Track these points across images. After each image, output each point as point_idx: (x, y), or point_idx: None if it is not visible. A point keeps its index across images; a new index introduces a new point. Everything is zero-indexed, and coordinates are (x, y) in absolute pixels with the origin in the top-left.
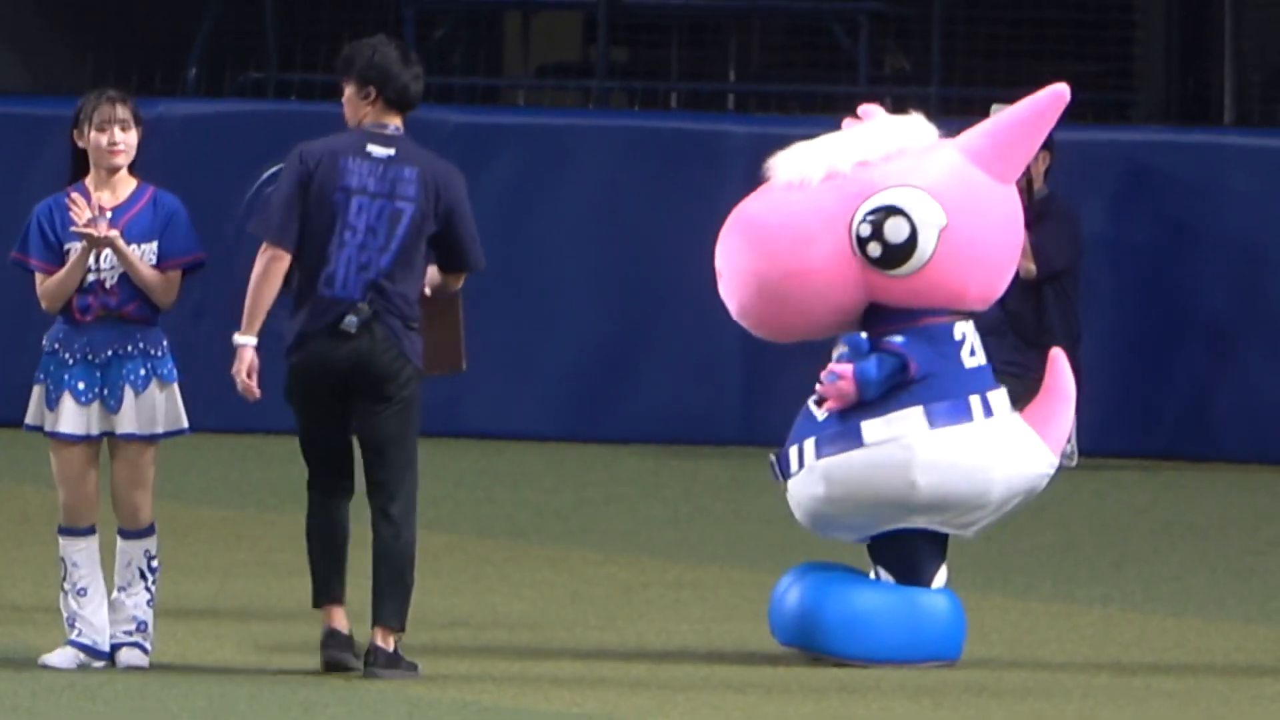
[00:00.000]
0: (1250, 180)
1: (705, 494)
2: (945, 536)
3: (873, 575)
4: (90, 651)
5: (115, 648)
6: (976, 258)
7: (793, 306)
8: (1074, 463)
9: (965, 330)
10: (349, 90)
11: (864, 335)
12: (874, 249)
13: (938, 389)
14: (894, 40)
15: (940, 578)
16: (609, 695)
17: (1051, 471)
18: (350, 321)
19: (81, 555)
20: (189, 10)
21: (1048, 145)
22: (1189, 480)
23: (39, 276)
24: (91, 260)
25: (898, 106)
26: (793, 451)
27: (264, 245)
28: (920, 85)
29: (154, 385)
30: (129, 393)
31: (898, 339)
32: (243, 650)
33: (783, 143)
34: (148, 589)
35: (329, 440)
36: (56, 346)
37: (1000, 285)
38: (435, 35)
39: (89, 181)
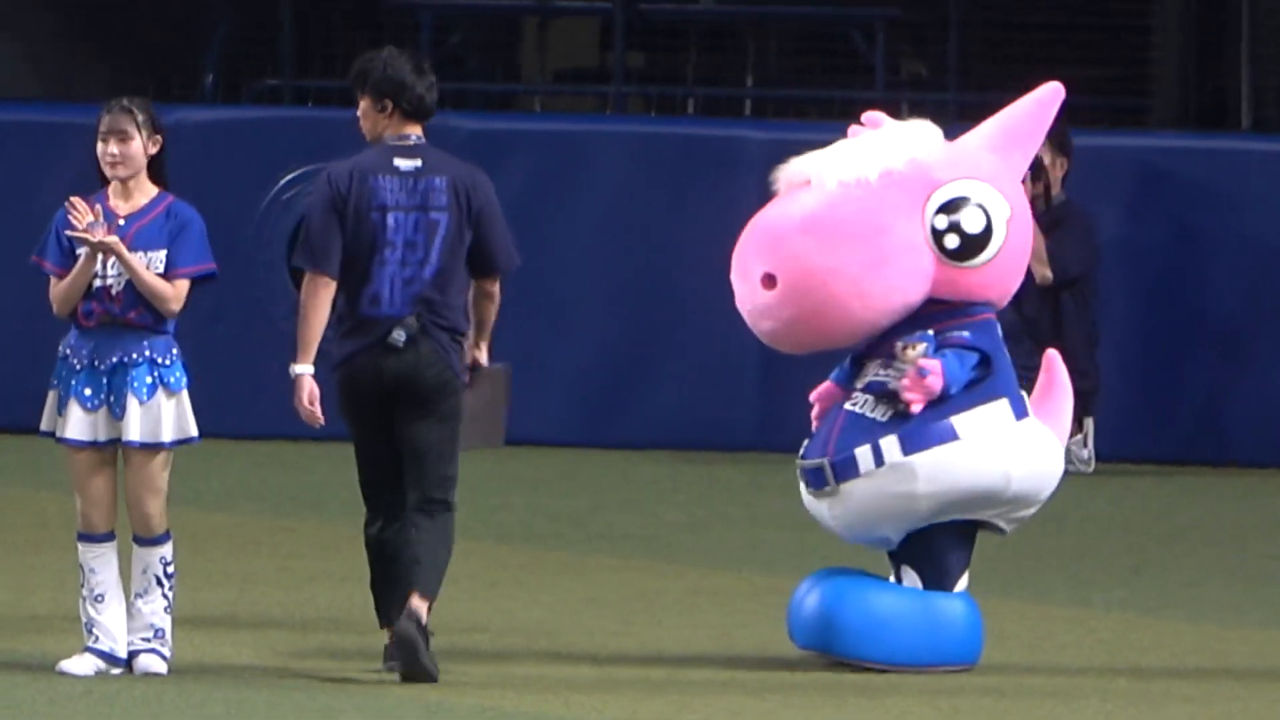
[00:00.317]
0: (1266, 185)
1: (722, 499)
2: (974, 539)
3: (893, 578)
4: (108, 658)
5: (133, 654)
6: (1025, 249)
7: (861, 303)
8: (1091, 468)
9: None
10: (364, 104)
11: (931, 333)
12: (951, 240)
13: (1009, 382)
14: (910, 46)
15: (963, 581)
16: (626, 700)
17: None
18: (397, 336)
19: (99, 562)
20: (205, 17)
21: (1066, 151)
22: (1205, 485)
23: (52, 280)
24: (99, 266)
25: (914, 112)
26: (861, 452)
27: (308, 274)
28: (937, 91)
29: (160, 394)
30: (133, 401)
31: (964, 334)
32: (261, 656)
33: (800, 148)
34: (164, 596)
35: (379, 455)
36: (68, 352)
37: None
38: (451, 41)
39: (110, 188)
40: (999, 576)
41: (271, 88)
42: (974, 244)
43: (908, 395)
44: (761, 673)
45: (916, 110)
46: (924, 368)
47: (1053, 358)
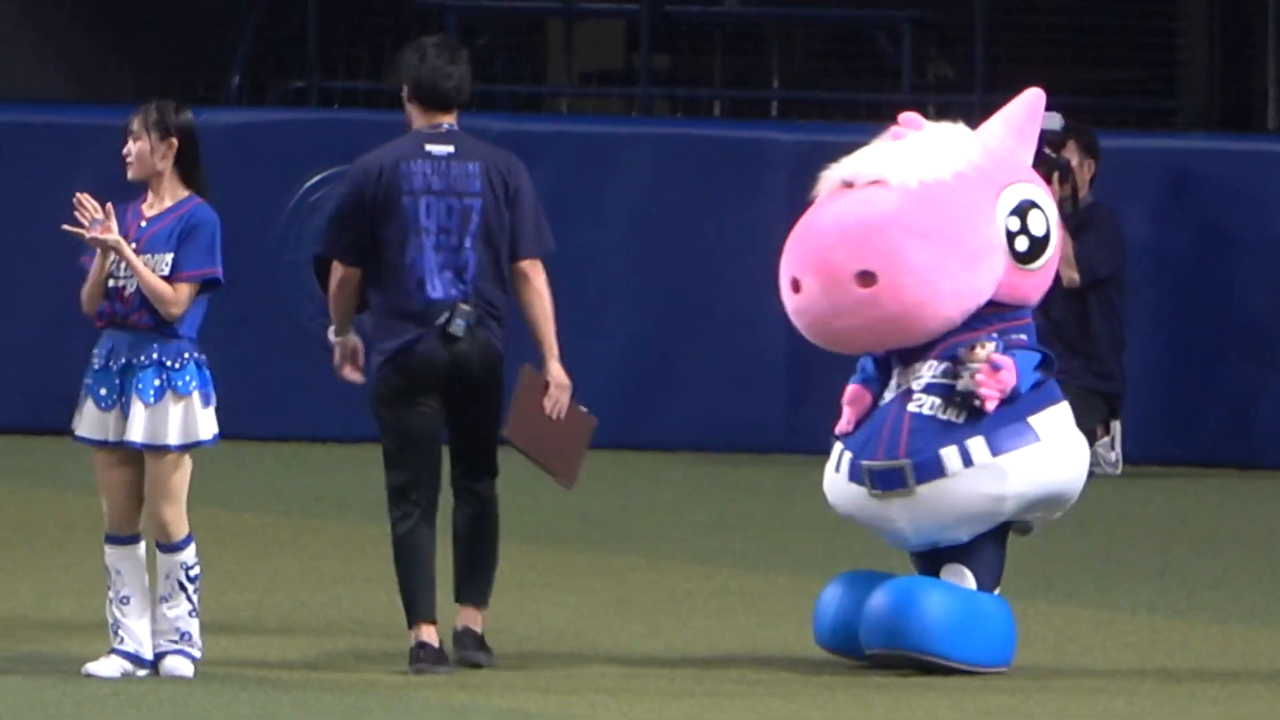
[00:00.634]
0: None
1: (749, 500)
2: (1007, 536)
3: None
4: (134, 660)
5: (160, 656)
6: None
7: (954, 301)
8: (1118, 470)
9: None
10: (404, 94)
11: (995, 334)
12: (1022, 242)
13: (1058, 386)
14: (937, 48)
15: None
16: (653, 703)
17: None
18: (458, 325)
19: (125, 563)
20: (231, 19)
21: (1093, 153)
22: (1232, 487)
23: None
24: (114, 267)
25: (940, 114)
26: (948, 453)
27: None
28: (963, 93)
29: (168, 397)
30: (137, 403)
31: (1023, 336)
32: (287, 658)
33: (826, 150)
34: (189, 599)
35: (427, 444)
36: (94, 352)
37: None
38: (478, 43)
39: (148, 189)
40: (1025, 578)
41: (297, 90)
42: (1039, 247)
43: (984, 391)
44: (789, 674)
45: (943, 112)
46: (997, 362)
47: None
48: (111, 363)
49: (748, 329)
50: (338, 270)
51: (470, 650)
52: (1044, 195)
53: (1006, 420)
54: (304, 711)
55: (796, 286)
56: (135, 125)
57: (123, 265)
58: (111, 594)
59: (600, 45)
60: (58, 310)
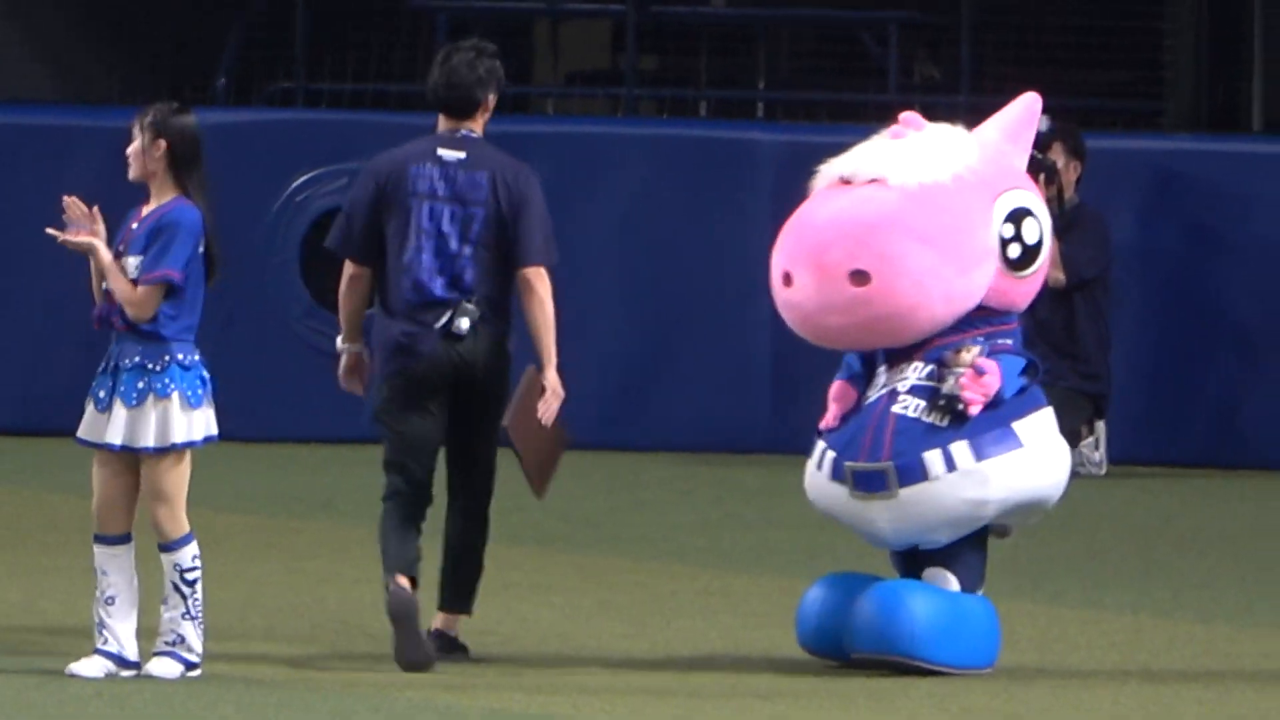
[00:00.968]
0: (1279, 187)
1: (734, 501)
2: (987, 539)
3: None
4: (117, 660)
5: (154, 656)
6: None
7: (945, 305)
8: (1103, 471)
9: None
10: None
11: (982, 339)
12: (1014, 249)
13: (1042, 391)
14: (924, 48)
15: None
16: (638, 703)
17: None
18: (461, 324)
19: (112, 564)
20: (219, 20)
21: (1079, 154)
22: (1218, 487)
23: None
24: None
25: (928, 115)
26: (931, 456)
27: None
28: (950, 94)
29: (149, 400)
30: (120, 405)
31: (1009, 341)
32: (272, 658)
33: (812, 151)
34: (184, 602)
35: (425, 443)
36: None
37: None
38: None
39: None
40: (1010, 578)
41: (284, 90)
42: (1031, 254)
43: (967, 395)
44: (772, 676)
45: (929, 113)
46: (982, 366)
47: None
48: (106, 364)
49: (734, 330)
50: (348, 268)
51: (444, 651)
52: (1038, 202)
53: (991, 425)
54: (288, 711)
55: (788, 280)
56: (133, 126)
57: None
58: (98, 594)
59: (587, 45)
60: (44, 313)
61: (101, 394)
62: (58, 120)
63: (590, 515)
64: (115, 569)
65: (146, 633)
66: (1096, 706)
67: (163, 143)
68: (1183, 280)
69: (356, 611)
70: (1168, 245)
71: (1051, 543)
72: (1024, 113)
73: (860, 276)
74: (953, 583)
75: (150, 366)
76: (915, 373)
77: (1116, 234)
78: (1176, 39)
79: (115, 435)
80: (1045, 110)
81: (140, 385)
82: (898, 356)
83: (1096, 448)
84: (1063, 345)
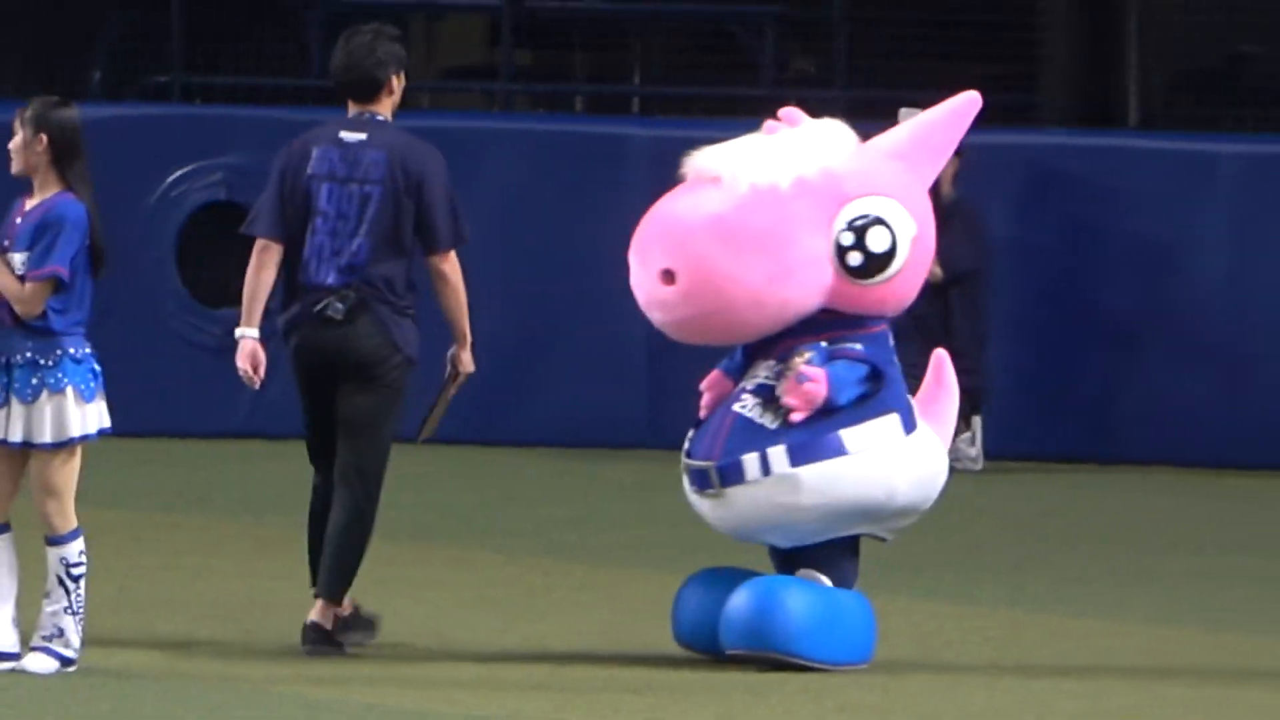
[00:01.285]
0: (1155, 182)
1: (608, 496)
2: (859, 540)
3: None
4: None
5: (31, 651)
6: (926, 264)
7: (757, 311)
8: (979, 466)
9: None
10: None
11: (824, 343)
12: (854, 258)
13: (899, 395)
14: (798, 43)
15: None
16: (511, 697)
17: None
18: (336, 308)
19: None
20: (93, 14)
21: (958, 150)
22: (1093, 482)
23: None
24: None
25: (803, 109)
26: (749, 460)
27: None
28: (825, 88)
29: (44, 395)
30: (15, 401)
31: (856, 345)
32: (148, 653)
33: (687, 146)
34: (67, 596)
35: (317, 424)
36: None
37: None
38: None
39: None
40: (885, 573)
41: (159, 85)
42: (876, 263)
43: (788, 401)
44: (646, 670)
45: (805, 108)
46: (804, 374)
47: (941, 358)
48: (2, 359)
49: (609, 325)
50: (256, 245)
51: (316, 644)
52: (898, 211)
53: (816, 432)
54: (164, 706)
55: (630, 272)
56: (16, 120)
57: None
58: None
59: (462, 41)
60: None
61: None
62: None
63: (464, 510)
64: None
65: (25, 625)
66: (971, 701)
67: (44, 137)
68: (1059, 275)
69: (230, 606)
70: (1044, 240)
71: (927, 538)
72: (948, 114)
73: (668, 276)
74: (825, 584)
75: (42, 361)
76: (765, 371)
77: (993, 229)
78: (1051, 33)
79: (15, 433)
80: (920, 104)
81: (34, 381)
82: (758, 353)
83: (972, 443)
84: (939, 339)
